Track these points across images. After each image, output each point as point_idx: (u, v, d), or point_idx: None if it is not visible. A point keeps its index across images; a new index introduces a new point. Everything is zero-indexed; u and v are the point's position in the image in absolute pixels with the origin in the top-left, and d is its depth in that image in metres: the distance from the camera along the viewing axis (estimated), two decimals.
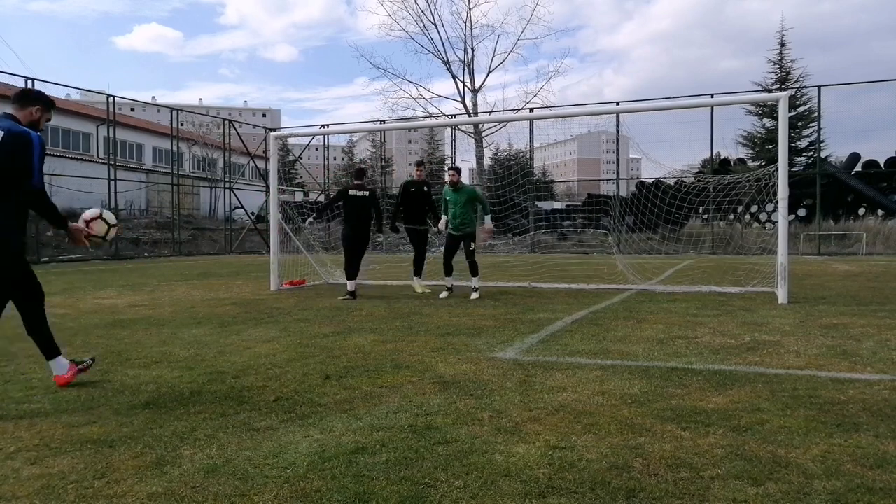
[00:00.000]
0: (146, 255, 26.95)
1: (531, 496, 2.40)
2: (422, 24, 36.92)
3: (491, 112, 34.63)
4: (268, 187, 25.26)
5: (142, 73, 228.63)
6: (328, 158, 36.51)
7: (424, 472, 2.63)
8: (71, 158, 31.50)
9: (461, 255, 9.53)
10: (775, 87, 33.23)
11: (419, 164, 10.49)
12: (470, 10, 35.91)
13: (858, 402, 3.60)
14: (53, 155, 29.23)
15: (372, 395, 3.86)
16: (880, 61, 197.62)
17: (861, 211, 28.66)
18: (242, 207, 33.46)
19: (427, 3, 44.37)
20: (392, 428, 3.22)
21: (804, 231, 25.86)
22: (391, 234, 10.17)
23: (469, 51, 36.25)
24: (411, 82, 41.76)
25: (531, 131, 28.93)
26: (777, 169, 8.90)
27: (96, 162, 32.81)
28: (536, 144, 30.99)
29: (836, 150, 41.15)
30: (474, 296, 9.01)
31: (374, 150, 63.57)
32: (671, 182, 24.94)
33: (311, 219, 11.11)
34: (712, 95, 24.62)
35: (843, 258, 21.08)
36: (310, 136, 32.80)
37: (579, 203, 33.69)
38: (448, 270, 9.55)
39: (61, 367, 4.16)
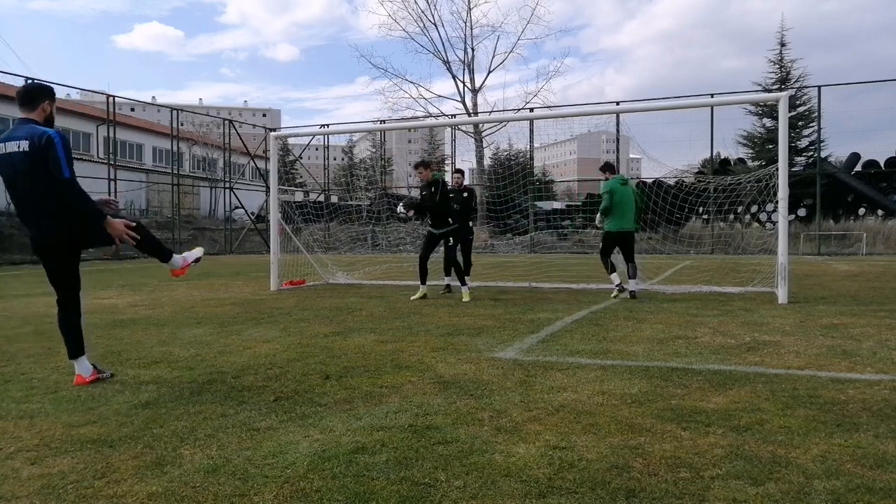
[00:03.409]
0: (146, 255, 26.94)
1: (531, 496, 2.40)
2: (422, 24, 37.01)
3: (491, 112, 34.67)
4: (268, 187, 25.26)
5: (142, 72, 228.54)
6: (328, 158, 36.53)
7: (424, 472, 2.63)
8: None
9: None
10: (775, 87, 33.23)
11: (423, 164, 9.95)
12: (470, 10, 35.98)
13: (858, 402, 3.60)
14: None
15: (372, 395, 3.86)
16: (882, 61, 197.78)
17: (861, 211, 28.68)
18: (242, 207, 33.48)
19: (427, 3, 44.49)
20: (392, 428, 3.22)
21: (804, 231, 25.87)
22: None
23: (469, 51, 36.33)
24: (411, 82, 41.92)
25: (531, 131, 28.97)
26: (777, 169, 8.91)
27: (96, 162, 32.79)
28: (536, 144, 31.04)
29: (836, 150, 41.32)
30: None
31: (374, 150, 63.65)
32: (671, 182, 24.96)
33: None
34: (712, 95, 24.64)
35: (843, 258, 21.08)
36: (310, 136, 32.83)
37: (579, 203, 33.69)
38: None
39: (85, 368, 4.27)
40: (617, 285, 9.23)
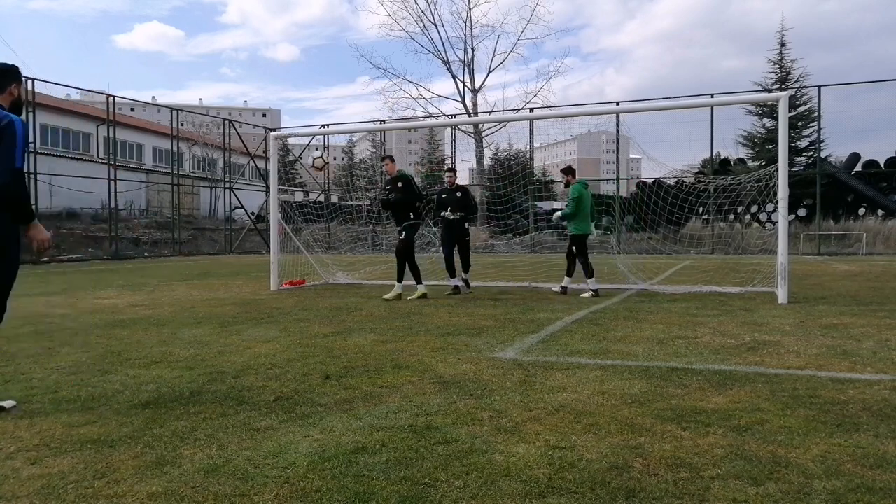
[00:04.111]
0: (146, 255, 26.95)
1: (531, 496, 2.40)
2: (422, 24, 37.06)
3: (491, 112, 34.68)
4: (268, 187, 25.28)
5: (142, 72, 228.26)
6: (328, 158, 36.50)
7: (424, 472, 2.63)
8: (71, 158, 31.52)
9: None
10: (775, 87, 33.22)
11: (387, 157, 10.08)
12: (470, 10, 36.03)
13: (858, 402, 3.60)
14: (53, 155, 29.27)
15: (372, 395, 3.86)
16: (882, 61, 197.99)
17: (861, 211, 28.67)
18: (242, 207, 33.48)
19: (427, 3, 44.54)
20: (392, 428, 3.22)
21: (804, 231, 25.87)
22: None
23: (469, 51, 36.36)
24: (411, 82, 41.99)
25: (531, 131, 28.98)
26: (777, 169, 8.91)
27: (96, 162, 32.82)
28: (536, 144, 31.04)
29: (836, 150, 41.27)
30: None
31: (374, 150, 63.65)
32: (671, 182, 24.96)
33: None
34: (712, 95, 24.64)
35: (843, 258, 21.08)
36: (310, 136, 32.86)
37: None
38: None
39: None
40: (593, 290, 9.36)
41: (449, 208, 9.87)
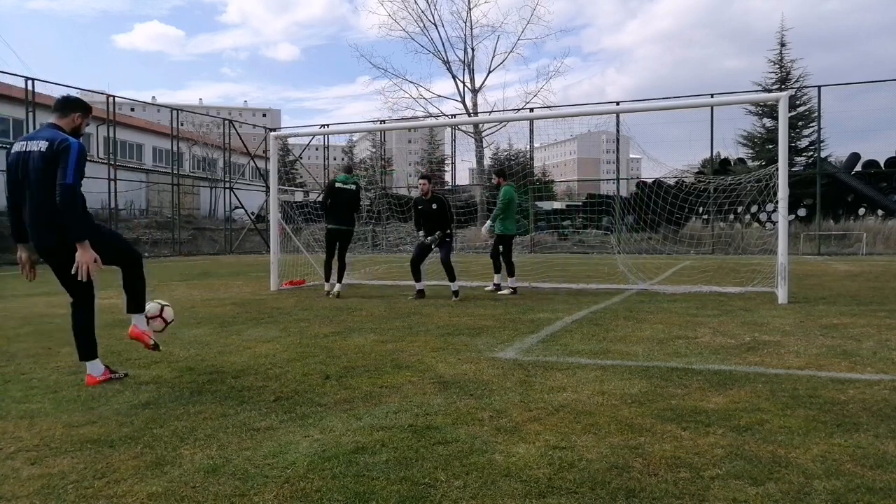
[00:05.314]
0: (146, 255, 26.95)
1: (531, 496, 2.40)
2: (422, 24, 37.11)
3: (491, 112, 34.70)
4: (268, 187, 25.27)
5: (142, 72, 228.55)
6: (328, 158, 36.53)
7: (424, 472, 2.63)
8: None
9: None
10: (775, 87, 33.20)
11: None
12: (470, 10, 36.07)
13: (858, 402, 3.60)
14: None
15: (372, 395, 3.86)
16: (882, 61, 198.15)
17: (861, 211, 28.66)
18: (242, 207, 33.46)
19: (427, 3, 44.57)
20: (392, 428, 3.22)
21: (804, 231, 25.87)
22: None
23: (469, 51, 36.41)
24: (411, 82, 42.05)
25: (531, 131, 28.95)
26: (777, 169, 8.91)
27: (96, 162, 32.71)
28: (536, 144, 31.02)
29: (836, 150, 41.29)
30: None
31: (374, 150, 63.70)
32: (671, 182, 24.95)
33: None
34: (712, 95, 24.63)
35: (843, 258, 21.08)
36: (310, 136, 32.82)
37: (579, 203, 33.68)
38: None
39: (97, 369, 4.29)
40: (513, 288, 9.83)
41: (424, 228, 9.19)
